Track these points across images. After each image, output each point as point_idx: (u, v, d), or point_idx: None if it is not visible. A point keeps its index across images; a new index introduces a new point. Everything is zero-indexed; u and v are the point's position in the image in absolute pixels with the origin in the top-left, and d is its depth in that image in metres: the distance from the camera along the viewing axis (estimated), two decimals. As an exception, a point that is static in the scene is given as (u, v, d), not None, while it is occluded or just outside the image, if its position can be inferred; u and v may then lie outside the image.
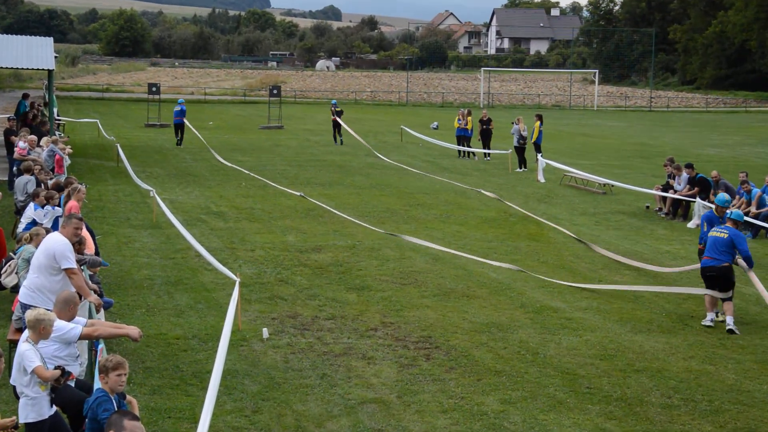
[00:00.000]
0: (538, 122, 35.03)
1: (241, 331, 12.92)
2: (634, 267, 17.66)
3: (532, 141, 34.95)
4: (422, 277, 16.60)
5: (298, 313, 14.02)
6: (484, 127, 37.43)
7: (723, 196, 15.10)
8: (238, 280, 12.76)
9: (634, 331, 13.56)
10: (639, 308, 14.91)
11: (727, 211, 14.82)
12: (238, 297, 12.27)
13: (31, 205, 16.31)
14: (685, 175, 24.24)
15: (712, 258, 14.04)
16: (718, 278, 14.01)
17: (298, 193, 26.22)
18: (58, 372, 8.10)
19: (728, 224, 14.29)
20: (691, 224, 22.63)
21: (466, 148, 37.79)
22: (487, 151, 37.11)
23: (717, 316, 14.19)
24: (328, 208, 23.54)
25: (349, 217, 22.24)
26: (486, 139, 37.47)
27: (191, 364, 11.61)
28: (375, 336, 12.97)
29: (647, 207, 25.47)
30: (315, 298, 14.98)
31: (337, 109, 43.44)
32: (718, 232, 14.17)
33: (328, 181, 29.09)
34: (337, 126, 42.97)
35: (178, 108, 40.17)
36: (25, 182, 19.00)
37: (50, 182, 18.88)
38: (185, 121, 39.92)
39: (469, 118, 37.64)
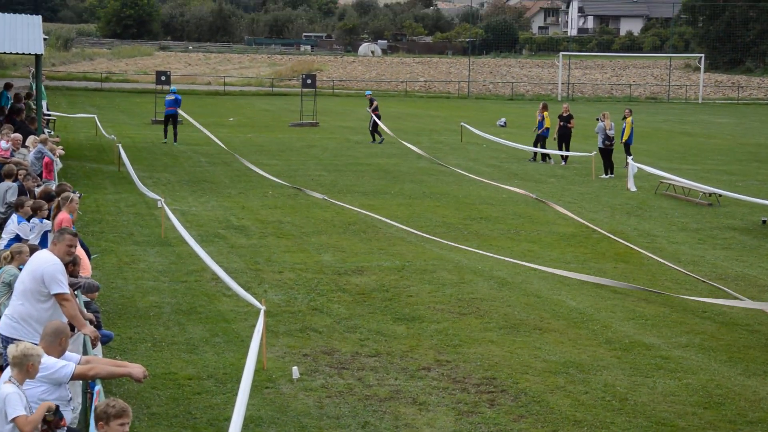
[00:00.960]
0: (630, 118, 34.89)
1: (267, 370, 13.02)
2: (749, 294, 17.52)
3: (622, 141, 34.81)
4: (485, 305, 16.61)
5: (335, 349, 14.10)
6: (562, 124, 37.26)
7: None
8: (263, 308, 12.86)
9: (747, 374, 13.44)
10: (753, 345, 14.78)
11: None
12: (263, 329, 12.37)
13: (14, 217, 16.53)
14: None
15: None
16: None
17: (321, 196, 26.68)
18: (42, 413, 8.11)
19: None
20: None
21: (539, 149, 37.68)
22: (564, 153, 36.99)
23: None
24: (377, 216, 23.66)
25: (415, 231, 22.32)
26: (564, 138, 37.30)
27: (206, 409, 11.72)
28: (428, 377, 13.00)
29: (764, 222, 25.24)
30: (355, 330, 15.05)
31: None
32: None
33: (372, 190, 29.24)
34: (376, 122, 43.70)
35: (171, 97, 41.25)
36: (5, 189, 19.28)
37: (38, 190, 19.16)
38: (180, 111, 41.31)
39: (545, 113, 37.49)
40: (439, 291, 17.48)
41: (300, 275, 18.44)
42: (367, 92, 46.30)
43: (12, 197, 18.82)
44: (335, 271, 18.86)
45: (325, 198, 26.78)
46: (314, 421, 11.41)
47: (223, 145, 37.57)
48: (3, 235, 16.59)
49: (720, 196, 28.08)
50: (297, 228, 23.11)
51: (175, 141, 40.60)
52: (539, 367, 13.47)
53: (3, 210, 18.91)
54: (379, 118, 43.88)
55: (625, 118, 35.33)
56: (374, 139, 43.48)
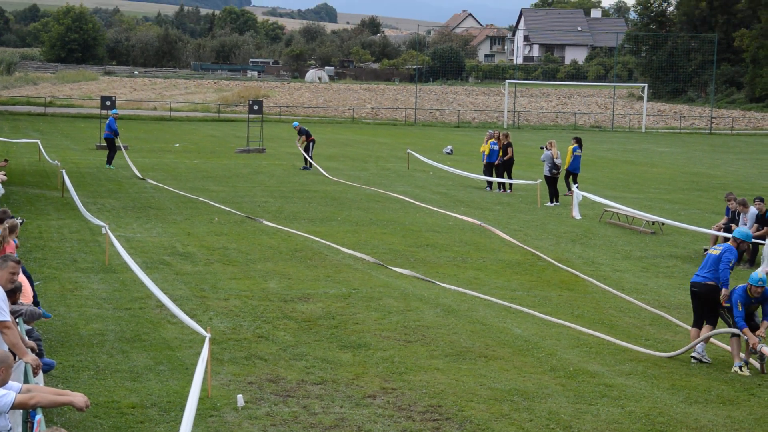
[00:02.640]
0: (571, 146, 35.36)
1: (211, 398, 12.95)
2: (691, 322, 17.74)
3: (565, 168, 35.18)
4: (431, 333, 16.65)
5: (281, 377, 14.06)
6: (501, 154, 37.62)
7: (756, 274, 15.39)
8: (208, 335, 12.79)
9: (689, 402, 13.58)
10: (695, 373, 14.95)
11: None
12: (208, 356, 12.31)
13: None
14: (753, 211, 24.32)
15: (698, 275, 16.00)
16: (702, 297, 15.72)
17: (259, 220, 27.59)
18: None
19: (730, 242, 16.19)
20: (759, 271, 22.66)
21: (489, 178, 37.88)
22: (505, 180, 37.22)
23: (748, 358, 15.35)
24: (326, 242, 23.66)
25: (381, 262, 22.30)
26: (505, 167, 37.60)
27: (149, 437, 11.62)
28: (373, 405, 13.00)
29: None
30: (301, 358, 15.02)
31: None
32: (714, 250, 16.07)
33: (319, 217, 29.24)
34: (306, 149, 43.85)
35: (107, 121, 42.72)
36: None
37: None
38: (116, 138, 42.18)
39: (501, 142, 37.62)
40: (385, 318, 17.50)
41: (246, 302, 18.38)
42: (294, 123, 46.22)
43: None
44: (281, 298, 18.83)
45: (253, 218, 26.84)
46: (259, 449, 11.36)
47: (136, 171, 37.39)
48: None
49: (663, 224, 28.41)
50: (243, 255, 23.05)
51: (109, 165, 40.94)
52: (484, 394, 13.52)
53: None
54: (313, 143, 43.98)
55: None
56: (309, 165, 43.26)
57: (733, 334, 15.27)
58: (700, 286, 15.81)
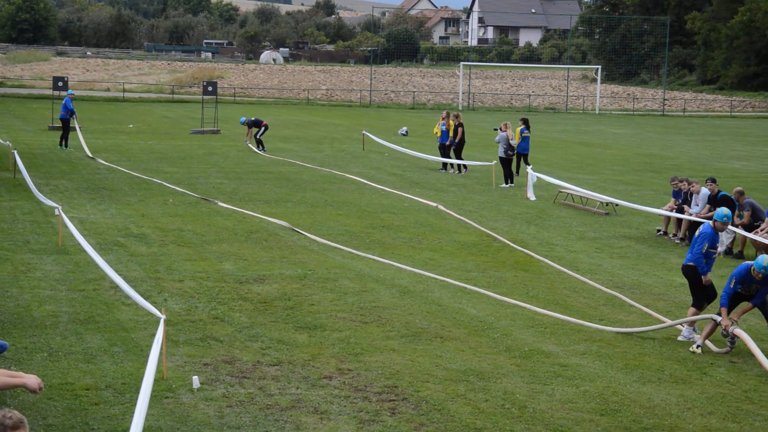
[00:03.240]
0: (519, 128, 35.59)
1: (166, 379, 12.88)
2: (644, 302, 17.87)
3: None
4: (387, 313, 16.65)
5: (236, 358, 14.00)
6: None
7: (762, 260, 15.26)
8: (163, 317, 12.72)
9: (642, 381, 13.68)
10: (648, 352, 15.05)
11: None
12: (163, 338, 12.23)
13: None
14: (704, 191, 24.50)
15: (687, 256, 16.23)
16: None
17: (214, 201, 27.48)
18: None
19: (710, 223, 16.27)
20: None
21: (443, 159, 37.98)
22: (460, 162, 37.33)
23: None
24: (281, 223, 23.59)
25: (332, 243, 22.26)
26: (456, 148, 37.80)
27: (104, 420, 11.54)
28: (329, 386, 12.98)
29: (658, 231, 25.73)
30: (257, 339, 14.97)
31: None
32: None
33: (274, 198, 29.15)
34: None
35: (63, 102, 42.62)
36: None
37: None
38: (72, 118, 42.01)
39: (451, 122, 37.81)
40: (341, 299, 17.48)
41: (201, 284, 18.29)
42: (242, 119, 46.02)
43: None
44: (237, 279, 18.76)
45: (207, 199, 26.66)
46: (214, 431, 11.32)
47: (87, 151, 37.16)
48: None
49: (616, 205, 28.59)
50: (198, 236, 22.92)
51: (62, 146, 40.70)
52: (440, 375, 13.54)
53: None
54: (265, 128, 43.72)
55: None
56: (263, 148, 43.01)
57: (712, 318, 15.28)
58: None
